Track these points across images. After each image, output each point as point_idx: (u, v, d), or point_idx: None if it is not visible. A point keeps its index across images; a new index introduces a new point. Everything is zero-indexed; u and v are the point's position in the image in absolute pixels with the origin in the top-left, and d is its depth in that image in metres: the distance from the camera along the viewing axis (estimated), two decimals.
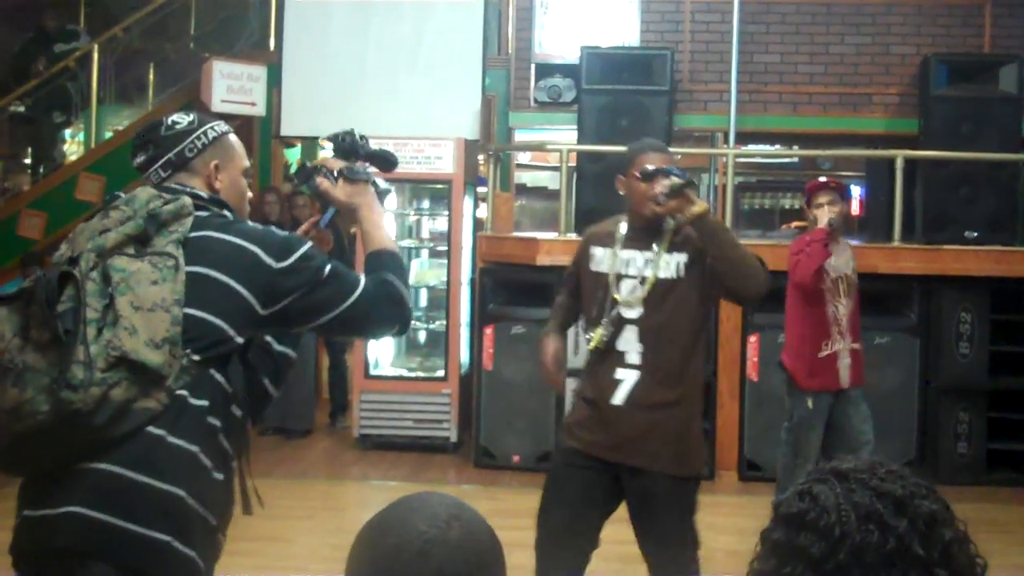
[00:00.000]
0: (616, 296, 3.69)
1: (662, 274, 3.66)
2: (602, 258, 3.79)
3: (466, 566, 1.37)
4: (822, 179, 5.94)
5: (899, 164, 7.67)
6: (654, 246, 3.70)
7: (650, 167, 3.71)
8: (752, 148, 10.13)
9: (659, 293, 3.65)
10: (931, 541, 1.31)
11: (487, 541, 1.43)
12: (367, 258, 2.53)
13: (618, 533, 3.96)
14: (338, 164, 2.60)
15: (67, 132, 10.36)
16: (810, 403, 5.67)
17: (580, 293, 3.91)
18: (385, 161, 2.70)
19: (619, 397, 3.65)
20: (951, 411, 7.52)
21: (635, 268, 3.71)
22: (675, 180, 3.60)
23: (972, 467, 7.49)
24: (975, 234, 7.92)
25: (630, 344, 3.67)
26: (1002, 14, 8.99)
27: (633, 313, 3.66)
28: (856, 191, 13.41)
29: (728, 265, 3.55)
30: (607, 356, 3.69)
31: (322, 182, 2.57)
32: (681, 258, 3.68)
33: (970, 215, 7.99)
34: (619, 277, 3.71)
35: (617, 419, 3.66)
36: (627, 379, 3.65)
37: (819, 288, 5.65)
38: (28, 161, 11.12)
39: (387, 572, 1.37)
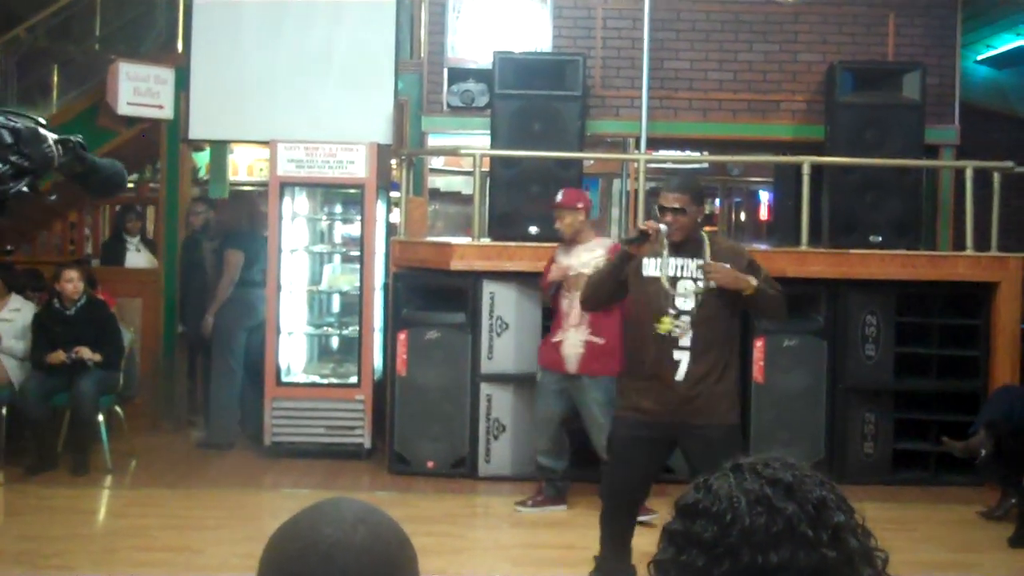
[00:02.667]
0: (674, 293, 4.71)
1: (712, 284, 4.71)
2: (652, 265, 4.78)
3: (371, 569, 1.36)
4: (558, 198, 6.77)
5: (806, 170, 7.79)
6: (700, 254, 4.74)
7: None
8: (663, 154, 10.22)
9: (707, 292, 4.72)
10: (820, 523, 1.34)
11: (395, 545, 1.41)
12: None
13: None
14: None
15: None
16: (539, 375, 6.83)
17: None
18: (104, 190, 1.78)
19: (680, 373, 4.71)
20: (858, 412, 7.66)
21: (688, 271, 4.75)
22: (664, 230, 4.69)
23: (879, 467, 7.64)
24: (880, 238, 8.10)
25: (683, 331, 4.71)
26: (905, 23, 9.20)
27: (686, 306, 4.72)
28: (764, 196, 13.65)
29: (765, 314, 5.16)
30: (665, 341, 4.71)
31: None
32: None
33: (875, 220, 8.17)
34: (674, 279, 4.74)
35: (680, 391, 4.70)
36: (683, 359, 4.71)
37: (559, 284, 6.70)
38: None
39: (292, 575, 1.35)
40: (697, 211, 4.80)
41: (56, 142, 1.55)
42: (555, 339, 6.64)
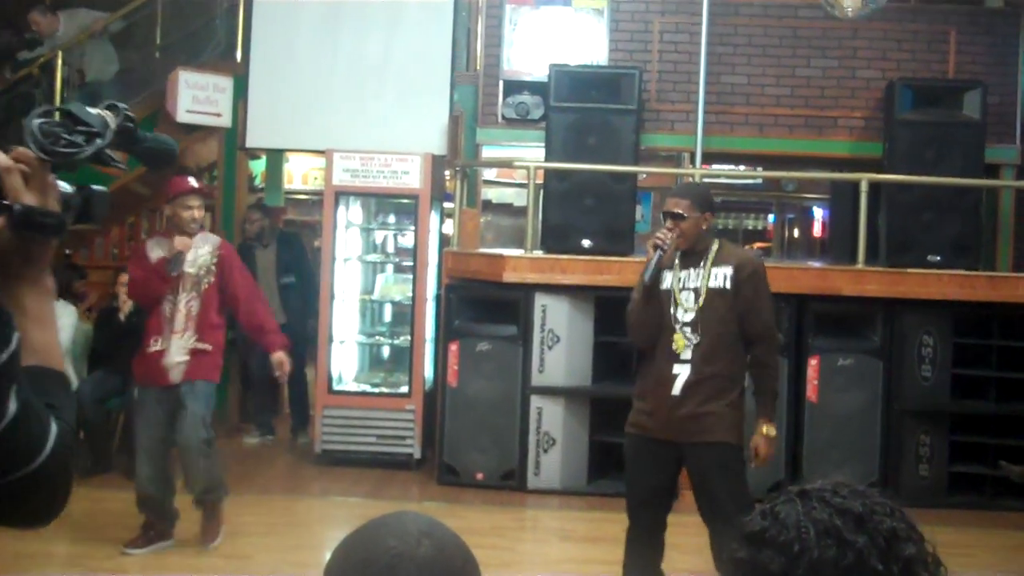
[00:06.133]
0: (675, 304, 4.57)
1: (711, 284, 4.55)
2: (666, 278, 4.64)
3: None
4: (192, 182, 5.98)
5: (863, 187, 7.72)
6: (703, 263, 4.58)
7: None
8: (718, 168, 10.16)
9: (710, 300, 4.54)
10: (890, 557, 1.32)
11: (459, 560, 1.40)
12: (30, 376, 1.47)
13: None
14: (26, 172, 1.48)
15: None
16: (136, 393, 6.10)
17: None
18: (157, 157, 1.71)
19: (676, 388, 4.52)
20: (913, 434, 7.56)
21: (691, 282, 4.59)
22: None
23: (933, 490, 7.52)
24: (938, 258, 7.99)
25: (687, 344, 4.54)
26: (966, 40, 9.08)
27: (687, 316, 4.55)
28: (818, 213, 13.54)
29: None
30: (666, 356, 4.56)
31: None
32: (727, 270, 4.57)
33: (933, 239, 8.06)
34: (680, 291, 4.60)
35: (676, 406, 4.51)
36: (681, 372, 4.52)
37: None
38: None
39: None
40: (700, 217, 4.58)
41: (105, 108, 1.59)
42: (154, 349, 5.85)
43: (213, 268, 5.89)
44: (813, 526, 1.33)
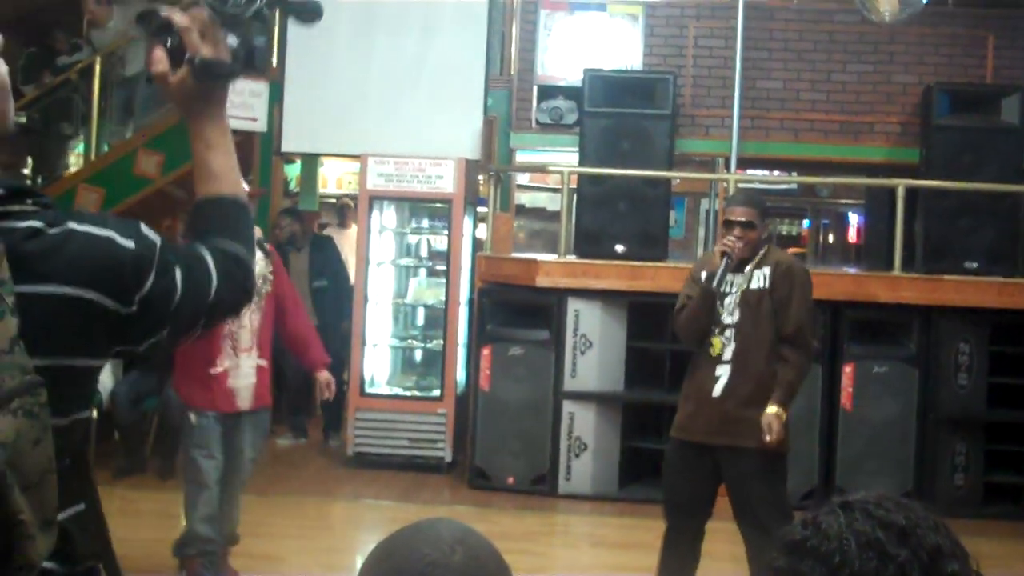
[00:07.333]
0: (719, 309, 4.61)
1: (752, 286, 4.62)
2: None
3: None
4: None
5: (900, 193, 7.66)
6: (748, 267, 4.63)
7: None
8: (752, 174, 10.11)
9: (750, 301, 4.59)
10: (933, 573, 1.30)
11: (493, 569, 1.40)
12: (206, 205, 1.80)
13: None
14: (202, 29, 1.75)
15: (81, 145, 10.27)
16: (194, 419, 5.22)
17: None
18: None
19: (717, 390, 4.56)
20: (948, 442, 7.48)
21: (734, 286, 4.63)
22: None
23: (969, 499, 7.45)
24: (975, 265, 7.91)
25: (726, 345, 4.60)
26: (1005, 45, 9.00)
27: (731, 319, 4.60)
28: (853, 218, 13.47)
29: None
30: (709, 357, 4.60)
31: (159, 58, 1.75)
32: (766, 271, 4.63)
33: (970, 246, 7.97)
34: (723, 295, 4.62)
35: (716, 408, 4.55)
36: (723, 373, 4.58)
37: None
38: (27, 172, 11.07)
39: None
40: (763, 227, 4.70)
41: None
42: (219, 370, 5.14)
43: (270, 276, 5.31)
44: (855, 538, 1.32)
